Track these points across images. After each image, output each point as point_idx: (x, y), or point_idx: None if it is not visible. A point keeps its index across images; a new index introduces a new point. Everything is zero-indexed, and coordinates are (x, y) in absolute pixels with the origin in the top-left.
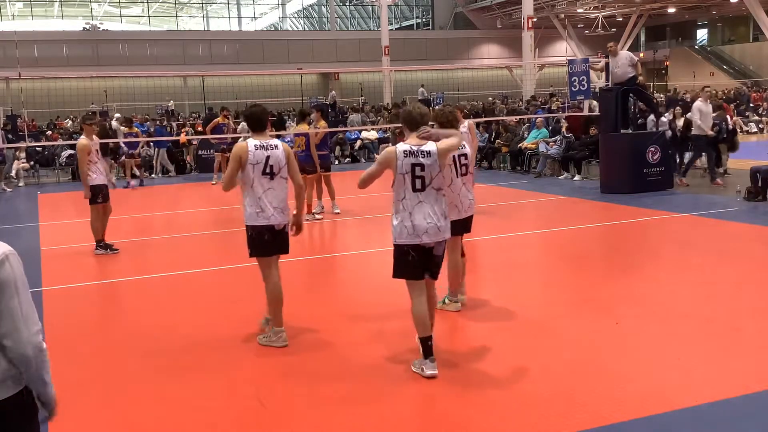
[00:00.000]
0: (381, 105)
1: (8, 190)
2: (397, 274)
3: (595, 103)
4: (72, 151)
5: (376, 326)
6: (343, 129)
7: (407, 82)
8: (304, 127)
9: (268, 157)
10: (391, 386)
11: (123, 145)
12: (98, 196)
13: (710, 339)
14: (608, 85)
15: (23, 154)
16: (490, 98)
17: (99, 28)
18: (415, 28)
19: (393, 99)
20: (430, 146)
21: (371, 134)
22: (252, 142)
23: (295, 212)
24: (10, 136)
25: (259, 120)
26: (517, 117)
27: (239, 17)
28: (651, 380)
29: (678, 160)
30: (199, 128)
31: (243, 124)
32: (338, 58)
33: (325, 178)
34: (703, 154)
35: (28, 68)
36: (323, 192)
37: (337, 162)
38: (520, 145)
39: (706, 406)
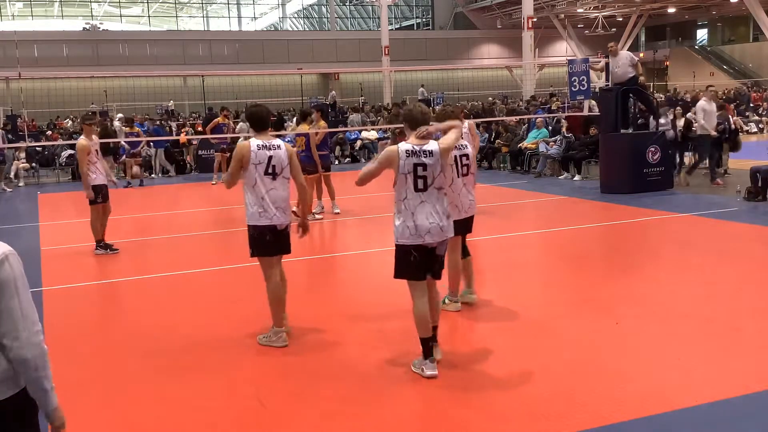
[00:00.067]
0: (381, 105)
1: (8, 190)
2: (398, 274)
3: (594, 103)
4: (72, 151)
5: (376, 326)
6: (343, 129)
7: (407, 82)
8: (304, 128)
9: (270, 157)
10: (391, 386)
11: (125, 143)
12: (98, 196)
13: (710, 339)
14: (608, 85)
15: (23, 154)
16: (490, 98)
17: (99, 28)
18: (415, 28)
19: (393, 99)
20: (433, 146)
21: (371, 134)
22: (254, 142)
23: (295, 211)
24: (10, 136)
25: (261, 120)
26: (517, 117)
27: (239, 17)
28: (651, 380)
29: (678, 160)
30: (199, 128)
31: (242, 124)
32: (338, 58)
33: (325, 178)
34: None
35: (28, 68)
36: (323, 192)
37: (337, 162)
38: (520, 145)
39: (706, 406)
